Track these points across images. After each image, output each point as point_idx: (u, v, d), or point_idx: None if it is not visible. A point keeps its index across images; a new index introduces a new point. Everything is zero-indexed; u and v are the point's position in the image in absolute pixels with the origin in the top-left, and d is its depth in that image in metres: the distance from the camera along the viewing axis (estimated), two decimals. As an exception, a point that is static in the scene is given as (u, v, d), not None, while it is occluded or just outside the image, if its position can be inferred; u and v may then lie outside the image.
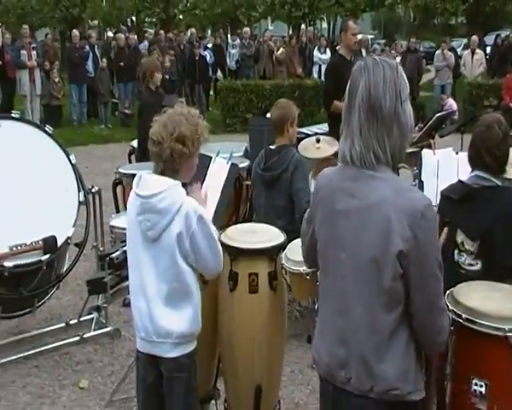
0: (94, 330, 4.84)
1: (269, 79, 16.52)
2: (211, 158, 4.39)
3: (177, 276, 2.62)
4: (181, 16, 29.46)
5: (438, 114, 6.56)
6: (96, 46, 15.47)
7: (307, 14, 23.97)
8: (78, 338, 4.75)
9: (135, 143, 7.04)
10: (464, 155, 3.63)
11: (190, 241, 2.58)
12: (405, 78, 2.04)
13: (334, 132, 6.58)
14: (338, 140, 6.48)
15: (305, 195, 4.46)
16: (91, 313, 4.98)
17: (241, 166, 5.54)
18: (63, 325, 4.95)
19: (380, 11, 35.73)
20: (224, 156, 4.15)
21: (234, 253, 2.92)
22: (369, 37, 34.37)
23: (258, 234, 3.05)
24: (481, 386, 2.19)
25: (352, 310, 2.01)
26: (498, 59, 15.61)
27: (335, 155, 5.85)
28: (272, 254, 2.94)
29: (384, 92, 1.96)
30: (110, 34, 18.03)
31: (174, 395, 2.71)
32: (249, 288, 2.92)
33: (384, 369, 1.97)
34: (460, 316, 2.29)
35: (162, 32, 18.24)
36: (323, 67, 16.03)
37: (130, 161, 7.23)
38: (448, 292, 2.44)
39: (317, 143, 5.60)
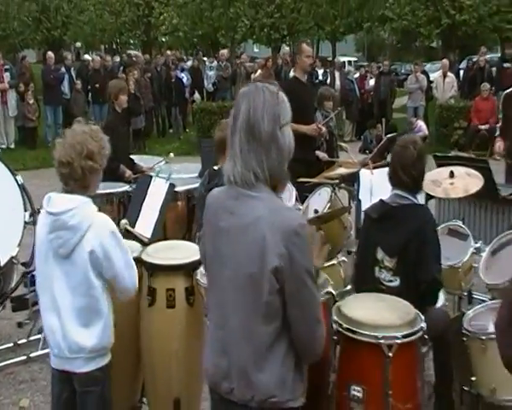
0: (41, 348, 4.87)
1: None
2: (151, 178, 4.53)
3: (89, 291, 2.69)
4: (163, 38, 29.77)
5: (388, 136, 6.72)
6: (72, 68, 15.59)
7: (286, 37, 24.33)
8: (24, 357, 4.78)
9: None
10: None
11: (104, 257, 2.66)
12: (287, 104, 2.16)
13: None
14: (294, 161, 6.66)
15: None
16: (41, 333, 5.02)
17: (193, 186, 5.66)
18: (11, 345, 4.98)
19: (363, 33, 36.22)
20: (164, 176, 4.28)
21: (151, 269, 3.01)
22: (353, 59, 35.02)
23: (177, 250, 3.15)
24: (358, 391, 2.31)
25: (231, 323, 2.11)
26: (468, 82, 15.90)
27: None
28: (189, 269, 3.04)
29: (262, 116, 2.08)
30: (87, 56, 18.12)
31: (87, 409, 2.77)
32: (167, 303, 3.02)
33: (262, 378, 2.06)
34: (341, 326, 2.40)
35: (137, 53, 18.38)
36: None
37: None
38: (336, 304, 2.56)
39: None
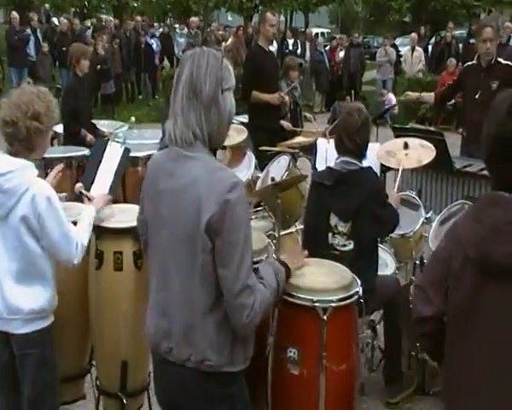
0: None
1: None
2: (107, 142, 4.49)
3: (26, 255, 2.67)
4: (134, 4, 29.23)
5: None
6: (38, 30, 15.26)
7: (258, 6, 24.10)
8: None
9: (58, 128, 7.05)
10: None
11: (39, 224, 2.62)
12: (231, 71, 2.19)
13: (253, 121, 6.73)
14: (257, 129, 6.62)
15: None
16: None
17: (154, 151, 5.62)
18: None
19: (336, 5, 35.99)
20: (119, 141, 4.24)
21: (99, 231, 3.01)
22: (326, 30, 34.83)
23: (127, 213, 3.14)
24: (294, 353, 2.38)
25: (171, 284, 2.14)
26: (437, 57, 16.02)
27: (244, 142, 6.04)
28: (137, 233, 3.04)
29: (205, 77, 2.10)
30: (55, 19, 17.71)
31: (27, 372, 2.74)
32: (114, 266, 3.02)
33: (199, 340, 2.10)
34: (279, 290, 2.46)
35: (107, 17, 18.04)
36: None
37: (52, 145, 7.22)
38: None
39: (226, 132, 5.70)
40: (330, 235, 3.59)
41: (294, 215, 5.08)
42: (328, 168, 3.68)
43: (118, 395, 3.10)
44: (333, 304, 2.44)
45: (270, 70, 6.60)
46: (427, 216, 4.49)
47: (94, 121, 7.00)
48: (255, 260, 2.97)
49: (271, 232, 4.66)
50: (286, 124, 7.05)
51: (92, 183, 4.49)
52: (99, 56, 13.57)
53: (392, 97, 15.07)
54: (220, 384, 2.15)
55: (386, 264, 4.17)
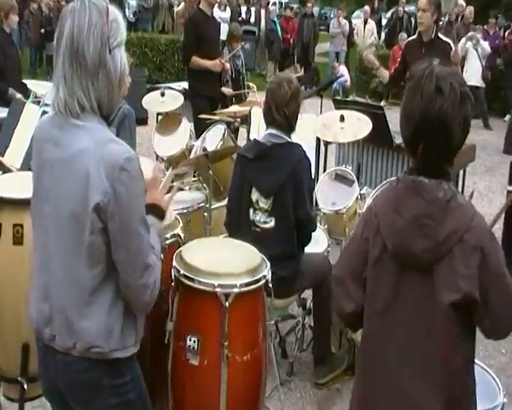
0: None
1: (167, 33, 16.11)
2: (25, 103, 4.20)
3: None
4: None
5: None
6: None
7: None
8: None
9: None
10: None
11: None
12: (120, 23, 1.92)
13: (193, 89, 6.48)
14: (196, 96, 6.32)
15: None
16: None
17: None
18: None
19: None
20: (38, 102, 3.97)
21: (-5, 202, 2.75)
22: (284, 0, 34.30)
23: (28, 182, 2.88)
24: (194, 341, 2.18)
25: (53, 265, 1.92)
26: (389, 31, 15.95)
27: (179, 109, 5.79)
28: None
29: (88, 37, 1.83)
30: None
31: None
32: (13, 239, 2.77)
33: (85, 326, 1.90)
34: (179, 272, 2.25)
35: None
36: (223, 26, 15.81)
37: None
38: (178, 249, 2.40)
39: (161, 97, 5.46)
40: (252, 211, 3.41)
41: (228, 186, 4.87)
42: (254, 141, 3.49)
43: (18, 380, 2.87)
44: (235, 290, 2.24)
45: (211, 36, 6.34)
46: (362, 192, 4.35)
47: (38, 81, 6.60)
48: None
49: (203, 204, 4.45)
50: (227, 90, 6.81)
51: (7, 147, 4.22)
52: (43, 15, 12.97)
53: (344, 70, 14.96)
54: (111, 372, 1.96)
55: (318, 241, 4.01)
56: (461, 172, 5.79)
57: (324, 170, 5.22)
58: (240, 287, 2.27)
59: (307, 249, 3.67)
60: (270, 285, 2.36)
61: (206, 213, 4.34)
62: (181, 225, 2.64)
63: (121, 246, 1.85)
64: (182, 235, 2.52)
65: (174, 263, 2.28)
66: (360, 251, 1.99)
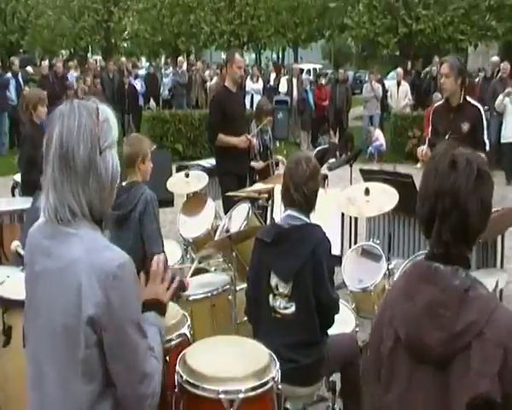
0: None
1: (200, 108, 16.45)
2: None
3: None
4: (124, 44, 29.31)
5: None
6: (19, 73, 15.14)
7: (247, 44, 24.13)
8: None
9: (18, 177, 6.81)
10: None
11: None
12: (111, 123, 1.88)
13: (221, 166, 6.47)
14: (224, 174, 6.28)
15: (154, 242, 4.29)
16: None
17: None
18: None
19: (325, 41, 36.23)
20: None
21: (7, 304, 2.72)
22: (318, 66, 34.92)
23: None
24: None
25: (47, 381, 1.83)
26: (423, 91, 15.89)
27: (204, 189, 5.78)
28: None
29: (78, 139, 1.79)
30: (29, 69, 17.48)
31: None
32: (24, 342, 2.71)
33: None
34: (182, 378, 2.14)
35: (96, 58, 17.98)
36: (256, 97, 16.11)
37: (13, 195, 6.99)
38: (183, 353, 2.29)
39: (186, 178, 5.46)
40: (271, 296, 3.29)
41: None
42: (273, 223, 3.41)
43: None
44: (241, 395, 2.11)
45: (236, 112, 6.35)
46: (390, 267, 4.19)
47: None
48: (168, 338, 2.70)
49: (228, 287, 4.35)
50: (256, 164, 6.80)
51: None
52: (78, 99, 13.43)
53: (379, 134, 14.90)
54: None
55: (345, 321, 3.84)
56: (498, 237, 5.54)
57: (355, 243, 5.09)
58: (245, 392, 2.15)
59: (334, 330, 3.52)
60: (280, 387, 2.21)
61: (230, 297, 4.23)
62: (188, 322, 2.54)
63: (116, 357, 1.77)
64: (189, 334, 2.43)
65: (177, 368, 2.17)
66: (373, 348, 1.88)
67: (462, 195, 1.72)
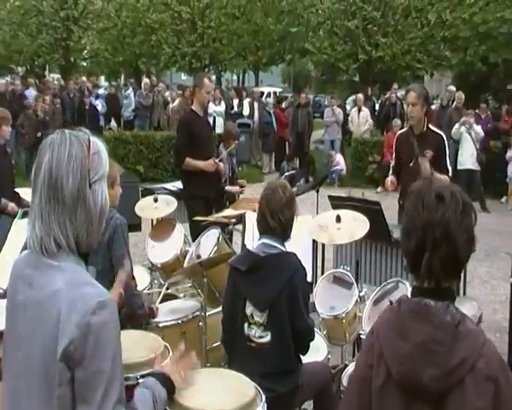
0: None
1: (162, 130, 16.37)
2: (14, 218, 4.15)
3: None
4: (84, 63, 29.01)
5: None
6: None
7: (208, 66, 24.19)
8: None
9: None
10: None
11: None
12: (102, 155, 1.84)
13: (188, 190, 6.43)
14: (191, 198, 6.22)
15: (123, 265, 4.23)
16: None
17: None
18: None
19: (286, 65, 36.63)
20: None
21: None
22: (278, 90, 35.21)
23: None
24: None
25: None
26: (383, 117, 16.22)
27: (173, 214, 5.74)
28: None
29: (67, 170, 1.75)
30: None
31: None
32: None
33: None
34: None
35: (54, 76, 17.73)
36: (218, 119, 16.12)
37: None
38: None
39: (154, 203, 5.41)
40: (246, 325, 3.28)
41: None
42: (247, 251, 3.40)
43: None
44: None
45: (203, 136, 6.35)
46: (361, 294, 4.22)
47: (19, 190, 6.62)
48: (139, 374, 2.65)
49: (197, 313, 4.31)
50: (234, 189, 6.81)
51: None
52: (39, 119, 13.22)
53: (340, 158, 15.10)
54: None
55: (318, 348, 3.85)
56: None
57: (322, 271, 5.11)
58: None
59: (307, 358, 3.52)
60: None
61: (201, 323, 4.18)
62: (171, 353, 2.49)
63: (83, 398, 1.67)
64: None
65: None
66: (366, 379, 1.84)
67: (452, 226, 1.74)
